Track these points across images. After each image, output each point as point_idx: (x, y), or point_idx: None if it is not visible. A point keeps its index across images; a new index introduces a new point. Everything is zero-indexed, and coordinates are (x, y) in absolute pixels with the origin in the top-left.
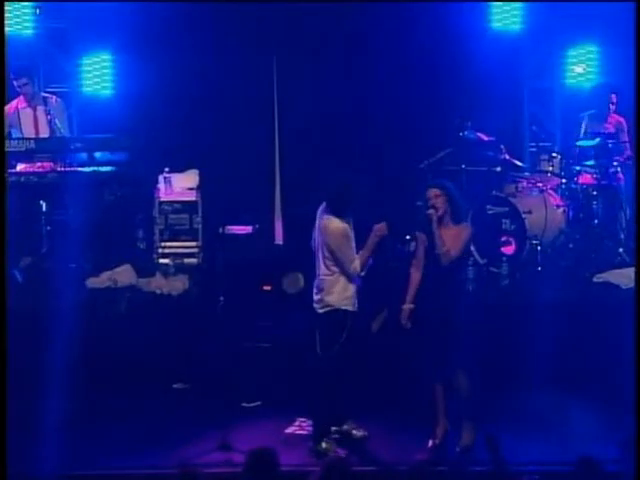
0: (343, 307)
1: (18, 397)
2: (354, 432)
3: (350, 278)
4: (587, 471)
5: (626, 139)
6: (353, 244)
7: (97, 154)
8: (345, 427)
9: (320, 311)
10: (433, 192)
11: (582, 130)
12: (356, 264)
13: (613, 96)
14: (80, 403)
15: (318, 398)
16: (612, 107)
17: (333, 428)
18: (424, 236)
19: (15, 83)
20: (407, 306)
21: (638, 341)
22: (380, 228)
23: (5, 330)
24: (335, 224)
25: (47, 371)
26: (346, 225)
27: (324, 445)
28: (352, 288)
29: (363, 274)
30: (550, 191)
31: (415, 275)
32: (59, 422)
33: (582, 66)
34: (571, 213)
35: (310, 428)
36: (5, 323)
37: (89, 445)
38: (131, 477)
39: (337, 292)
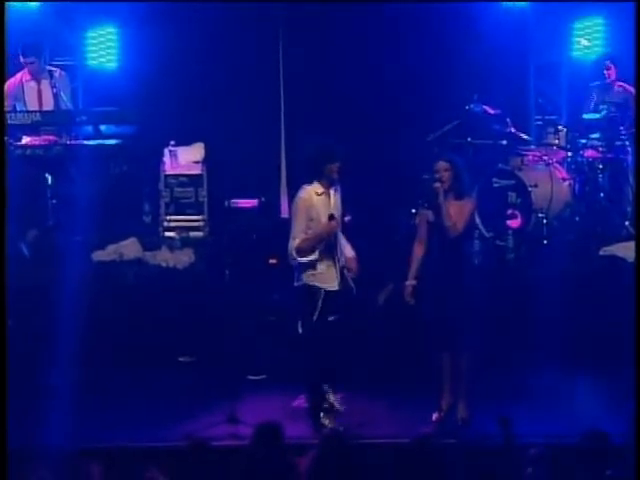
0: (310, 284)
1: (24, 371)
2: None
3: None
4: (595, 444)
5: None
6: (316, 215)
7: (103, 127)
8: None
9: (295, 284)
10: (442, 165)
11: (592, 103)
12: (294, 243)
13: (608, 63)
14: (86, 376)
15: (321, 371)
16: (612, 75)
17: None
18: (427, 212)
19: (22, 60)
20: (410, 282)
21: (638, 321)
22: (333, 226)
23: (5, 308)
24: (299, 192)
25: (53, 344)
26: (309, 193)
27: (324, 420)
28: (321, 265)
29: (298, 259)
30: (556, 164)
31: (417, 252)
32: (65, 396)
33: (588, 39)
34: (577, 186)
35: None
36: (5, 303)
37: (96, 418)
38: (138, 450)
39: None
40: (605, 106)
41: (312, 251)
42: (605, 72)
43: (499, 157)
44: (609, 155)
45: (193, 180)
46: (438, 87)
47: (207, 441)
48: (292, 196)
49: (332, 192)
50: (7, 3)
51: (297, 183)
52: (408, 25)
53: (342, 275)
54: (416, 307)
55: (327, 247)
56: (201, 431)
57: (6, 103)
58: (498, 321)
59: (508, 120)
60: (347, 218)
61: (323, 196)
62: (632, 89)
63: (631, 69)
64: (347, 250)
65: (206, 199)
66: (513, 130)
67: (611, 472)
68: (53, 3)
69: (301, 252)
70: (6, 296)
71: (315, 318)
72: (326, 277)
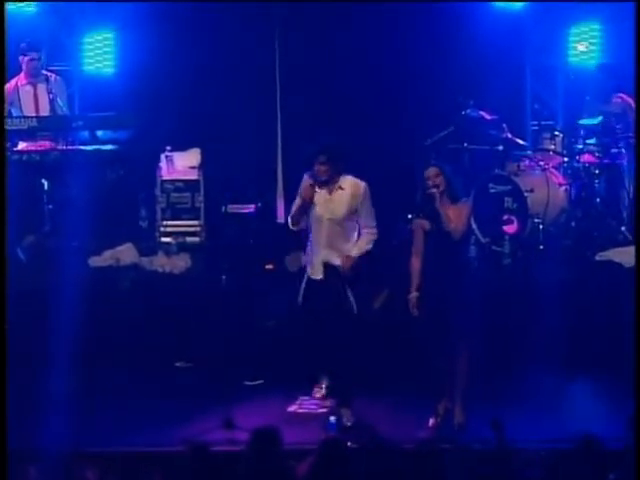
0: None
1: (20, 376)
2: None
3: None
4: (589, 450)
5: (632, 119)
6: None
7: (99, 132)
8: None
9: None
10: (433, 171)
11: (586, 109)
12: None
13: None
14: (83, 381)
15: (317, 376)
16: (615, 86)
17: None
18: (422, 221)
19: (26, 57)
20: (413, 295)
21: (638, 322)
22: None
23: (5, 313)
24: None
25: (49, 350)
26: (307, 180)
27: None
28: (310, 250)
29: (294, 228)
30: (552, 170)
31: (415, 264)
32: (61, 401)
33: (585, 44)
34: (573, 192)
35: (312, 407)
36: (5, 307)
37: (91, 423)
38: (135, 454)
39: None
40: (602, 115)
41: (298, 221)
42: (613, 84)
43: (495, 162)
44: (605, 160)
45: (189, 185)
46: (434, 92)
47: (206, 445)
48: (289, 202)
49: (325, 191)
50: (6, 4)
51: (294, 188)
52: (403, 30)
53: (326, 269)
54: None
55: (312, 236)
56: (198, 436)
57: None
58: (495, 326)
59: (504, 125)
60: None
61: (316, 187)
62: (630, 100)
63: (628, 74)
64: (354, 249)
65: (202, 204)
66: (509, 135)
67: (608, 477)
68: (50, 8)
69: (291, 221)
70: (6, 300)
71: (299, 301)
72: (311, 264)
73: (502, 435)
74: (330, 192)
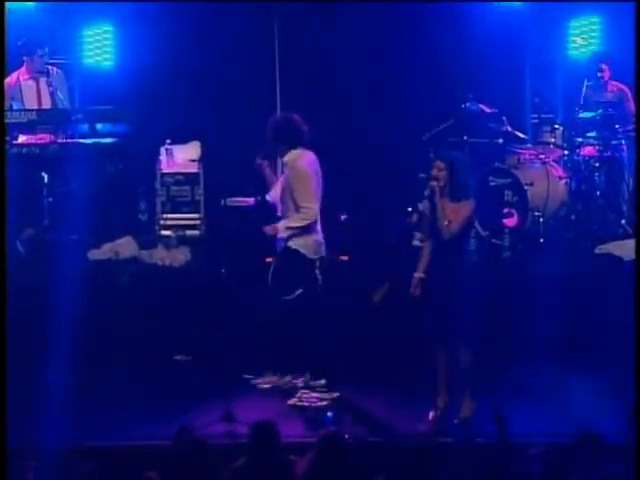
0: None
1: (19, 370)
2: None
3: None
4: (589, 445)
5: (629, 108)
6: None
7: (99, 126)
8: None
9: None
10: (438, 165)
11: (581, 101)
12: None
13: (603, 66)
14: (82, 375)
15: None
16: (606, 75)
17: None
18: (426, 209)
19: (35, 55)
20: (418, 275)
21: (638, 316)
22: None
23: (5, 306)
24: None
25: (48, 343)
26: None
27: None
28: None
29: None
30: (552, 163)
31: (425, 245)
32: (60, 395)
33: (584, 37)
34: (573, 185)
35: (312, 400)
36: (5, 300)
37: (92, 418)
38: (134, 449)
39: None
40: (600, 106)
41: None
42: (599, 74)
43: (495, 156)
44: (605, 153)
45: (189, 178)
46: (434, 86)
47: (204, 439)
48: None
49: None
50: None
51: None
52: (404, 24)
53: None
54: (412, 305)
55: None
56: (197, 430)
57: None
58: (494, 319)
59: (504, 118)
60: (343, 217)
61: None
62: (625, 87)
63: (626, 68)
64: (281, 224)
65: (202, 197)
66: (509, 129)
67: (606, 471)
68: (49, 2)
69: None
70: (6, 297)
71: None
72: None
73: (505, 430)
74: (279, 169)
